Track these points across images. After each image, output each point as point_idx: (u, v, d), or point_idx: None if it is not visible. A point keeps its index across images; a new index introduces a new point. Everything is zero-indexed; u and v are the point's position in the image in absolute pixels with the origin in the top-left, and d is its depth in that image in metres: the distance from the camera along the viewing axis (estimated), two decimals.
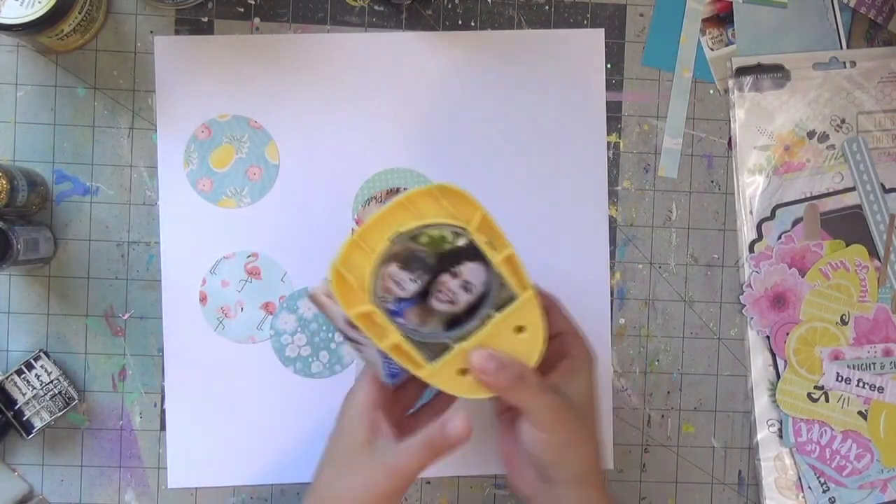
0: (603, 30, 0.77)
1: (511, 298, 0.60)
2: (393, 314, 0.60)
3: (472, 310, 0.61)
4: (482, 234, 0.59)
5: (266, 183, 0.75)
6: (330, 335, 0.76)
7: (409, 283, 0.60)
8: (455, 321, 0.61)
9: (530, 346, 0.60)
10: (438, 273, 0.61)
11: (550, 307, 0.66)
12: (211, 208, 0.75)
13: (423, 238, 0.60)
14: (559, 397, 0.62)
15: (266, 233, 0.75)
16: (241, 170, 0.75)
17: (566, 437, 0.62)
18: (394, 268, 0.60)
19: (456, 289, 0.60)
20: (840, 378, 0.77)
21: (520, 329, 0.60)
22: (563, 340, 0.66)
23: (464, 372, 0.59)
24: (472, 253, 0.60)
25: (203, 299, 0.75)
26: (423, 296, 0.61)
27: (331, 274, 0.57)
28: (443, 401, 0.68)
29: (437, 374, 0.59)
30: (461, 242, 0.60)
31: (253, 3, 0.76)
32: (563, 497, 0.64)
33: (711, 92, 0.78)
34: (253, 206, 0.75)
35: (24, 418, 0.72)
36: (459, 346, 0.59)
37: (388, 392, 0.64)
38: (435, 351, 0.59)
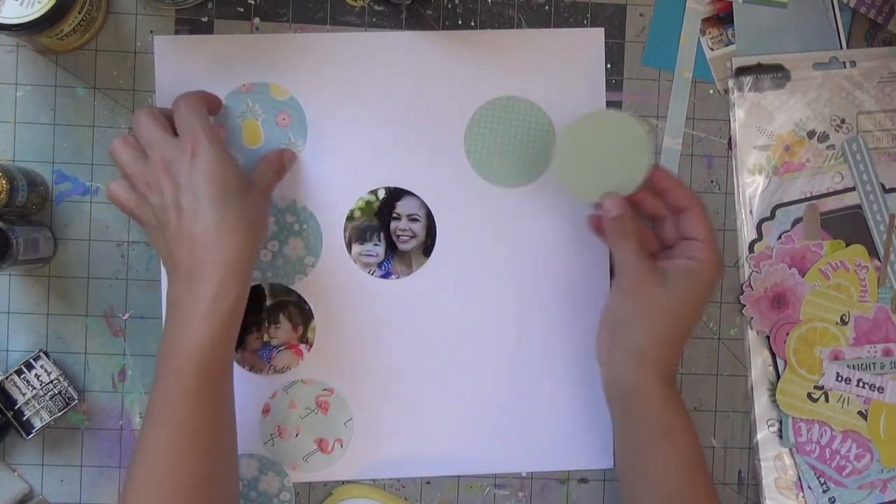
0: (603, 29, 0.77)
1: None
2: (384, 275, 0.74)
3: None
4: None
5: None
6: None
7: (375, 248, 0.74)
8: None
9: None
10: (388, 225, 0.74)
11: (688, 207, 0.70)
12: None
13: (356, 213, 0.74)
14: (651, 268, 0.68)
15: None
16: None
17: (642, 305, 0.67)
18: (356, 248, 0.74)
19: (406, 225, 0.74)
20: (840, 378, 0.77)
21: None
22: (693, 245, 0.69)
23: None
24: (396, 194, 0.74)
25: None
26: (394, 246, 0.74)
27: None
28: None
29: None
30: (382, 195, 0.74)
31: (253, 3, 0.76)
32: (618, 365, 0.69)
33: (711, 92, 0.78)
34: None
35: (24, 418, 0.72)
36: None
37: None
38: None
